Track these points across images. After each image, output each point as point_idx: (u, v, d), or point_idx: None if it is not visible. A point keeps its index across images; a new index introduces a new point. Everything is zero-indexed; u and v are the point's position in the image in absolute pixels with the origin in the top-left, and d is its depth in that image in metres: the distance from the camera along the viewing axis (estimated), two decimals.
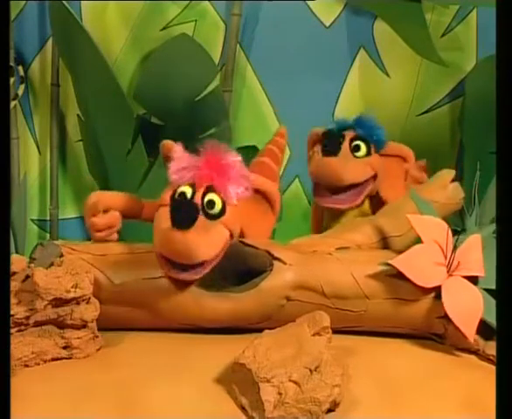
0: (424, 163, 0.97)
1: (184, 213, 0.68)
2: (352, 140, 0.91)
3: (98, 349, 0.69)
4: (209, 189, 0.70)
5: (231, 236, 0.72)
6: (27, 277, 0.66)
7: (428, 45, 1.22)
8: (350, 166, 0.90)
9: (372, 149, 0.92)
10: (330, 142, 0.91)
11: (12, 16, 1.29)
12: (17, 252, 0.74)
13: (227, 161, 0.71)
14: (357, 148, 0.91)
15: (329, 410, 0.60)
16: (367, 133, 0.92)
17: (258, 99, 1.33)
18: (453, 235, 0.75)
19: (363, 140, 0.91)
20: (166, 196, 0.70)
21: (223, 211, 0.70)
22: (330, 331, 0.65)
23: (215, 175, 0.70)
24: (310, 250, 0.77)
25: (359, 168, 0.91)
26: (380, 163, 0.92)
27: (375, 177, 0.92)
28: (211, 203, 0.69)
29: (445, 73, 1.29)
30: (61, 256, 0.69)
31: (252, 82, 1.32)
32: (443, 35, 1.31)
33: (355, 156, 0.91)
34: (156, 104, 1.27)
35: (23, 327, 0.66)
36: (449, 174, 0.88)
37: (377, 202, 0.93)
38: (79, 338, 0.68)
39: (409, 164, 0.92)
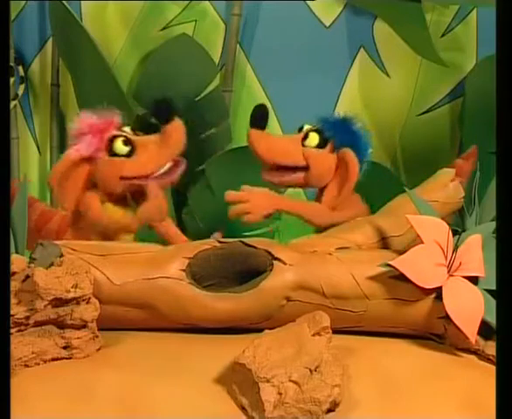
0: (473, 149, 0.94)
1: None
2: (310, 131, 0.92)
3: (98, 349, 0.69)
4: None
5: None
6: (27, 277, 0.66)
7: (428, 45, 1.22)
8: (272, 142, 0.92)
9: (329, 146, 0.91)
10: (257, 116, 0.91)
11: (12, 16, 1.29)
12: (17, 252, 0.73)
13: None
14: (306, 137, 0.91)
15: (329, 410, 0.60)
16: (328, 127, 0.91)
17: (258, 99, 1.33)
18: (454, 235, 0.75)
19: (318, 133, 0.91)
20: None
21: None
22: (330, 331, 0.65)
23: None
24: (310, 250, 0.77)
25: (281, 148, 0.91)
26: (321, 159, 0.91)
27: (306, 168, 0.91)
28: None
29: (445, 73, 1.29)
30: (61, 256, 0.69)
31: (252, 82, 1.32)
32: (443, 35, 1.31)
33: (302, 144, 0.91)
34: None
35: (23, 327, 0.66)
36: (449, 173, 0.88)
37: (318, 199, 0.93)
38: (79, 338, 0.68)
39: (350, 172, 0.90)
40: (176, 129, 0.86)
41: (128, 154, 0.85)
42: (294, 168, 0.92)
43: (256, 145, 0.91)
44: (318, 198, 0.93)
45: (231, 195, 0.90)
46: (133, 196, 0.89)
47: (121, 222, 0.86)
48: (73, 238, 0.89)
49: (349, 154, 0.90)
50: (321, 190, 0.93)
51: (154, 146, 0.86)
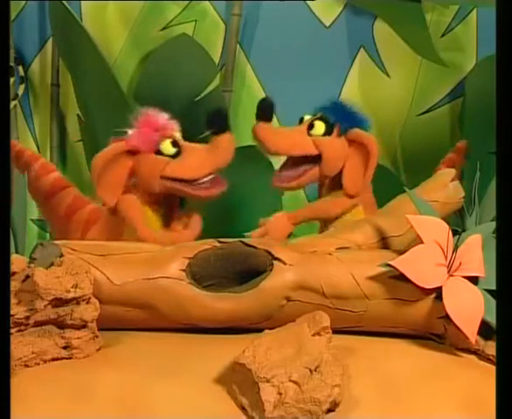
0: (462, 144, 0.95)
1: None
2: (313, 120, 0.92)
3: (98, 349, 0.69)
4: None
5: None
6: (27, 277, 0.66)
7: (428, 45, 1.22)
8: (280, 134, 0.91)
9: (335, 131, 0.91)
10: (263, 109, 0.91)
11: (12, 16, 1.29)
12: (17, 252, 0.73)
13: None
14: (311, 126, 0.91)
15: (329, 410, 0.60)
16: (329, 114, 0.91)
17: (258, 99, 1.32)
18: (454, 235, 0.75)
19: (322, 120, 0.91)
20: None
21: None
22: (330, 331, 0.65)
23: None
24: (310, 250, 0.76)
25: (290, 139, 0.91)
26: (333, 145, 0.91)
27: (319, 157, 0.91)
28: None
29: (445, 73, 1.29)
30: (61, 256, 0.69)
31: (252, 82, 1.33)
32: (443, 35, 1.31)
33: (309, 134, 0.91)
34: (156, 104, 1.27)
35: (23, 327, 0.66)
36: (449, 173, 0.88)
37: (335, 186, 0.93)
38: (79, 338, 0.68)
39: (371, 154, 0.90)
40: (227, 142, 0.86)
41: (174, 156, 0.86)
42: (306, 161, 0.91)
43: (263, 138, 0.90)
44: (335, 186, 0.93)
45: (255, 235, 0.92)
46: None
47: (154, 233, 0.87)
48: (100, 233, 0.89)
49: (363, 134, 0.90)
50: (334, 178, 0.92)
51: (201, 153, 0.87)
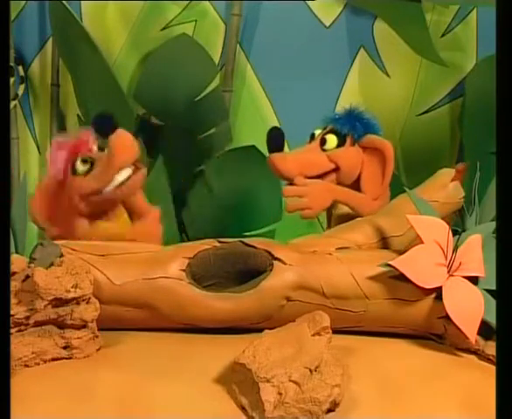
0: (463, 166, 0.95)
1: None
2: (324, 134, 0.91)
3: (98, 349, 0.69)
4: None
5: None
6: (27, 277, 0.66)
7: (428, 45, 1.22)
8: (293, 159, 0.90)
9: (348, 141, 0.91)
10: (273, 139, 0.90)
11: (12, 16, 1.29)
12: (17, 252, 0.73)
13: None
14: (323, 142, 0.91)
15: (329, 410, 0.60)
16: (340, 125, 0.91)
17: (258, 99, 1.33)
18: (454, 235, 0.75)
19: (334, 133, 0.91)
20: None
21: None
22: (330, 331, 0.65)
23: None
24: (310, 250, 0.76)
25: (304, 162, 0.90)
26: (348, 156, 0.90)
27: (336, 170, 0.90)
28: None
29: (445, 73, 1.30)
30: (61, 256, 0.69)
31: (252, 82, 1.33)
32: (443, 35, 1.31)
33: (323, 150, 0.91)
34: (156, 104, 1.27)
35: (23, 327, 0.66)
36: (449, 173, 0.88)
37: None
38: (79, 338, 0.68)
39: (387, 158, 0.89)
40: (118, 138, 0.81)
41: (88, 172, 0.82)
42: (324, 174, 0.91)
43: (281, 168, 0.90)
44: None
45: (288, 190, 0.89)
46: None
47: (115, 235, 0.83)
48: None
49: (377, 139, 0.90)
50: (354, 185, 0.92)
51: (104, 160, 0.82)
